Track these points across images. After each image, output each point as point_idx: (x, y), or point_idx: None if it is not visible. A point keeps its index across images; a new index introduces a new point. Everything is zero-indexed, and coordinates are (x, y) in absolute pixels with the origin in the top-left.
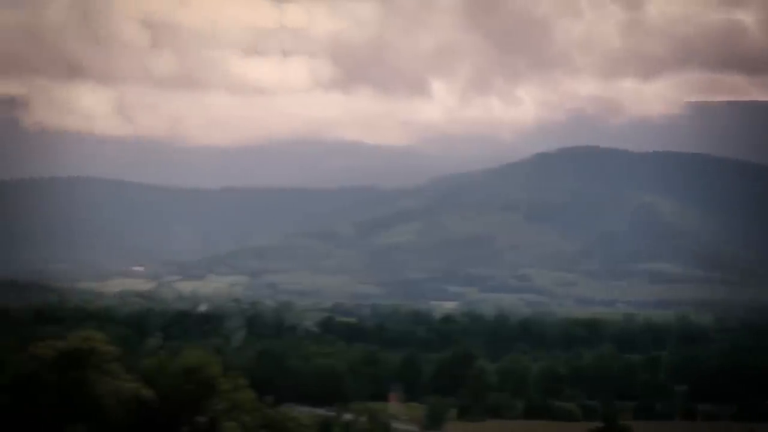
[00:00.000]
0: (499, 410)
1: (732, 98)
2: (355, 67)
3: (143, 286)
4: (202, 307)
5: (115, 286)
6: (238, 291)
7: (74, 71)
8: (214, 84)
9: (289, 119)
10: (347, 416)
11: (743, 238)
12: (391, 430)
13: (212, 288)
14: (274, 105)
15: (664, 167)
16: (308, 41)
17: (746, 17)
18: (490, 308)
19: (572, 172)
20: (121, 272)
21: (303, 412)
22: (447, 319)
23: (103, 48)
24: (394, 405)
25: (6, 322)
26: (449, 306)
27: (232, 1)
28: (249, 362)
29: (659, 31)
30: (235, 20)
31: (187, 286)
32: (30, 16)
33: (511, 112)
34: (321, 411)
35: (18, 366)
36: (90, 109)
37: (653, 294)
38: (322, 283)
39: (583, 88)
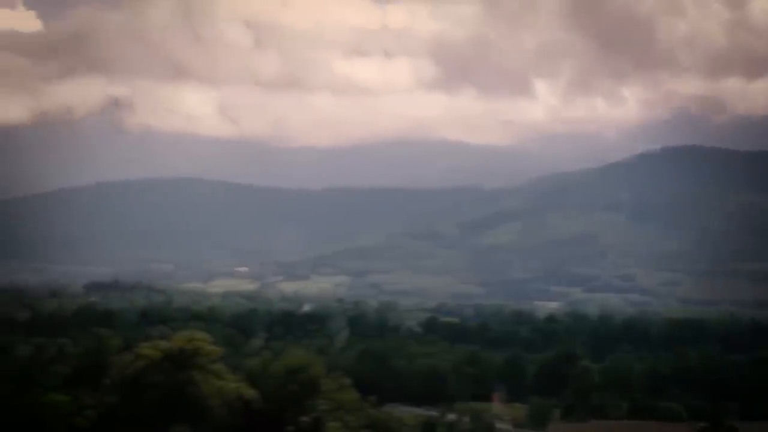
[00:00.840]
0: (603, 410)
1: None
2: (458, 66)
3: (247, 286)
4: (306, 308)
5: (219, 286)
6: (341, 291)
7: (178, 72)
8: (317, 84)
9: (392, 119)
10: (450, 416)
11: None
12: (494, 431)
13: (315, 288)
14: (376, 105)
15: None
16: (411, 41)
17: None
18: (593, 308)
19: (675, 172)
20: (225, 273)
21: (406, 413)
22: (550, 319)
23: (207, 49)
24: (497, 405)
25: (111, 322)
26: (552, 306)
27: (334, 2)
28: (352, 362)
29: (764, 29)
30: (337, 21)
31: (290, 287)
32: (134, 17)
33: (614, 111)
34: (424, 411)
35: (124, 366)
36: (193, 110)
37: (757, 294)
38: (425, 283)
39: (687, 87)
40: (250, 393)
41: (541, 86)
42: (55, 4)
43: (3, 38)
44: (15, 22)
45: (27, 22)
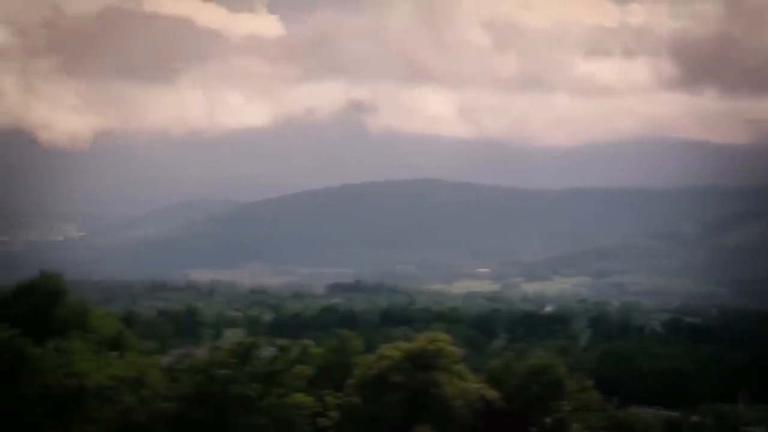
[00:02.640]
0: None
1: None
2: (699, 65)
3: (489, 287)
4: (548, 308)
5: (461, 287)
6: (581, 291)
7: (418, 74)
8: (557, 84)
9: (632, 118)
10: (694, 418)
11: None
12: None
13: (556, 289)
14: (615, 105)
15: None
16: (650, 40)
17: None
18: None
19: None
20: (466, 274)
21: (648, 414)
22: None
23: (446, 50)
24: (743, 407)
25: (354, 323)
26: None
27: (573, 2)
28: (593, 363)
29: None
30: (575, 20)
31: (531, 287)
32: (373, 20)
33: None
34: (667, 412)
35: (367, 367)
36: (434, 112)
37: None
38: (666, 283)
39: None
40: (492, 394)
41: None
42: (296, 8)
43: (246, 43)
44: (258, 26)
45: (269, 26)
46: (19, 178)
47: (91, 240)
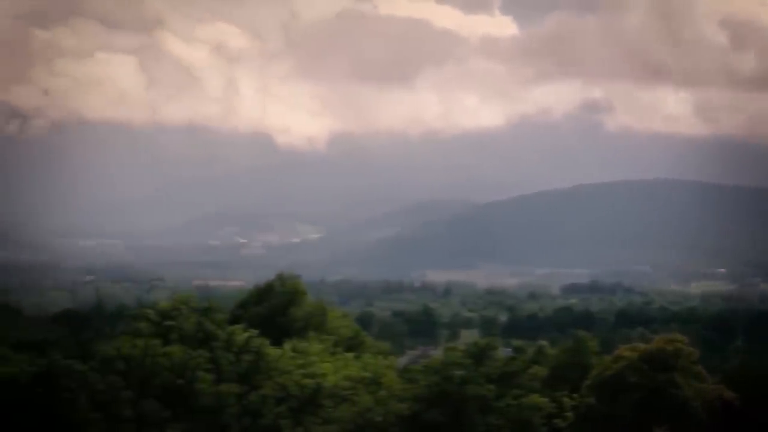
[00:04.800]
0: None
1: None
2: None
3: (725, 287)
4: None
5: (697, 288)
6: None
7: (654, 73)
8: None
9: None
10: None
11: None
12: None
13: None
14: None
15: None
16: None
17: None
18: None
19: None
20: (703, 274)
21: None
22: None
23: (683, 49)
24: None
25: (589, 324)
26: None
27: None
28: None
29: None
30: None
31: None
32: (610, 19)
33: None
34: None
35: (604, 368)
36: (670, 111)
37: None
38: None
39: None
40: (730, 395)
41: None
42: (530, 8)
43: (480, 44)
44: (492, 27)
45: (503, 27)
46: (259, 180)
47: (329, 241)
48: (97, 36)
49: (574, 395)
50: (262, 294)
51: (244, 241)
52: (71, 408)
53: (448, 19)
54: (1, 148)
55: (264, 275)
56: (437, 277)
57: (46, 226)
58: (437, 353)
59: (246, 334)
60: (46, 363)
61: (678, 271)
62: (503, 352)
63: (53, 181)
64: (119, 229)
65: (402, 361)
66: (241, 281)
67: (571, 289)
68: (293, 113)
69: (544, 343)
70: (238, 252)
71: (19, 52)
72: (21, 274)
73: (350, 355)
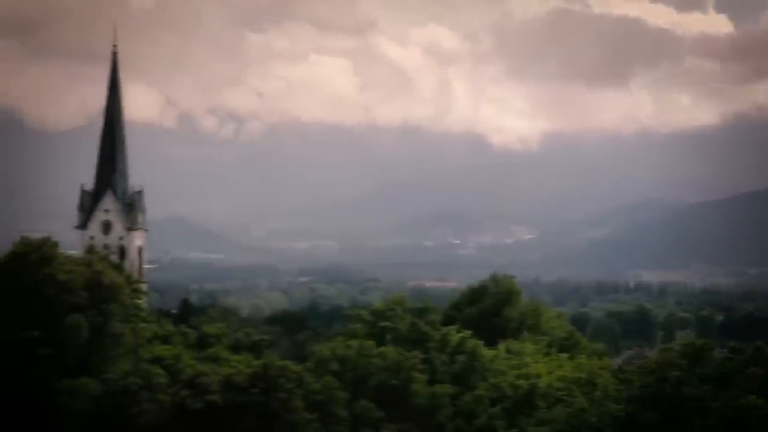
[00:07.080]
0: None
1: None
2: None
3: None
4: None
5: None
6: None
7: None
8: None
9: None
10: None
11: None
12: None
13: None
14: None
15: None
16: None
17: None
18: None
19: None
20: None
21: None
22: None
23: None
24: None
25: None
26: None
27: None
28: None
29: None
30: None
31: None
32: None
33: None
34: None
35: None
36: None
37: None
38: None
39: None
40: None
41: None
42: (745, 6)
43: (694, 42)
44: (706, 26)
45: (718, 25)
46: (472, 181)
47: (541, 242)
48: (310, 38)
49: None
50: (476, 294)
51: (458, 241)
52: (287, 408)
53: (662, 17)
54: (218, 152)
55: (477, 276)
56: (651, 277)
57: (263, 228)
58: (653, 354)
59: (460, 335)
60: (263, 364)
61: None
62: (719, 352)
63: (269, 183)
64: (334, 231)
65: (617, 361)
66: (455, 282)
67: None
68: (505, 114)
69: (761, 344)
70: (451, 253)
71: (233, 56)
72: (238, 276)
73: (564, 355)
